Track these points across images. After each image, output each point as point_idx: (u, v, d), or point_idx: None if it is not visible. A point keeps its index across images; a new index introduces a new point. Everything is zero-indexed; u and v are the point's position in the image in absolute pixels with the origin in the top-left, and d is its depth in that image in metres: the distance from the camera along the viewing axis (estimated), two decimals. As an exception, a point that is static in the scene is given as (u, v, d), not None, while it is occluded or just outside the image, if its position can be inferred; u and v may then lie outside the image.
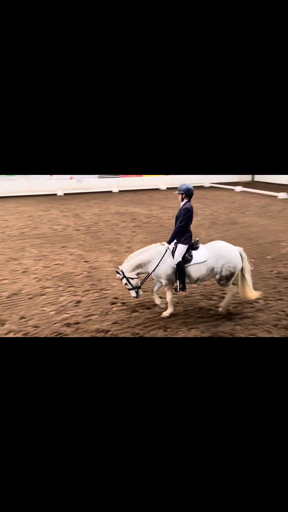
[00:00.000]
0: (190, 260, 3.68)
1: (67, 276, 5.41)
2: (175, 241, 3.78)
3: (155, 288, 4.10)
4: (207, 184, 15.42)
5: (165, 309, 4.18)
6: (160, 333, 3.80)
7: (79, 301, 4.57)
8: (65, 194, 13.21)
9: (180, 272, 3.63)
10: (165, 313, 4.01)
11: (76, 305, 4.48)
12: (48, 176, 13.23)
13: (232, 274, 3.76)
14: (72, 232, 7.99)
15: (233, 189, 14.20)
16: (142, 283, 3.98)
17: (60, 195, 13.05)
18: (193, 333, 3.75)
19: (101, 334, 3.82)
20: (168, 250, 3.78)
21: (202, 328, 3.92)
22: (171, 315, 4.02)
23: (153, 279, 4.04)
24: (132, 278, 3.87)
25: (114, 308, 4.41)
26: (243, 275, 3.84)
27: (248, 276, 3.84)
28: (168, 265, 3.73)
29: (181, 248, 3.68)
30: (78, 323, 4.06)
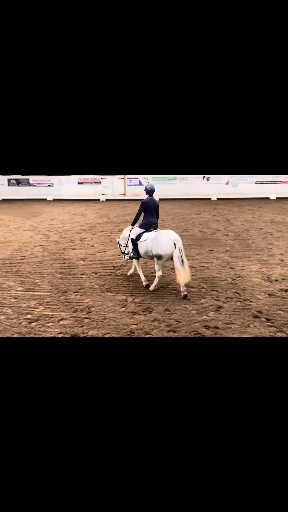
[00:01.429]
0: (139, 239, 5.13)
1: (211, 280, 5.60)
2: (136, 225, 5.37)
3: (135, 268, 5.64)
4: None
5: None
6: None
7: (220, 307, 4.67)
8: (218, 199, 13.49)
9: (132, 245, 5.21)
10: (149, 285, 5.38)
11: (217, 310, 4.60)
12: (204, 180, 13.87)
13: (160, 256, 4.90)
14: (221, 237, 8.13)
15: None
16: (128, 252, 5.44)
17: (214, 200, 13.43)
18: None
19: (239, 345, 3.79)
20: (130, 231, 5.32)
21: None
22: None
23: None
24: (121, 245, 5.56)
25: (256, 322, 4.26)
26: (174, 261, 4.79)
27: (177, 262, 4.73)
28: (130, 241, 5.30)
29: (136, 230, 5.18)
30: (217, 327, 4.18)
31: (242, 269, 6.03)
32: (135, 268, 5.59)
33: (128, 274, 5.71)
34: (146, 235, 5.05)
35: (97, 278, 5.81)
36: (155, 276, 5.32)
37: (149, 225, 5.10)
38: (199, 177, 14.05)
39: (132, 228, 5.33)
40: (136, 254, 5.21)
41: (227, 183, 13.69)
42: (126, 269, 6.18)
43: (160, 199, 14.63)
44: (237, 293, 5.09)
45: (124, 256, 5.57)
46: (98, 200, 14.04)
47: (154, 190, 5.19)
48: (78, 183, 14.45)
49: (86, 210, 12.00)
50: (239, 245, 7.48)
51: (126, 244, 5.43)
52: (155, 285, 5.17)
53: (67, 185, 14.45)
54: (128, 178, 14.20)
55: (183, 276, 4.76)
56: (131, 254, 5.31)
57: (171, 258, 4.86)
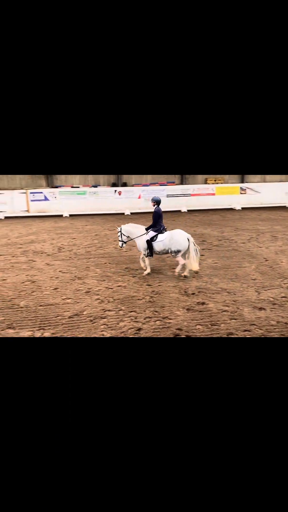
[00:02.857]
0: (155, 240, 6.61)
1: (128, 300, 5.59)
2: (150, 229, 6.82)
3: (143, 259, 7.04)
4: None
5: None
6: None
7: (139, 329, 4.64)
8: (131, 213, 13.90)
9: (148, 246, 6.64)
10: (145, 273, 6.85)
11: (136, 333, 4.56)
12: (116, 194, 14.14)
13: (178, 251, 6.49)
14: (136, 253, 8.30)
15: None
16: (125, 242, 6.98)
17: (127, 214, 13.78)
18: None
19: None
20: (145, 234, 6.75)
21: None
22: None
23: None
24: (123, 235, 6.91)
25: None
26: (189, 253, 6.44)
27: (192, 253, 6.42)
28: (143, 242, 6.69)
29: (151, 233, 6.67)
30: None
31: (159, 285, 6.20)
32: (149, 265, 6.88)
33: (145, 274, 6.79)
34: (161, 237, 6.57)
35: (-4, 312, 5.18)
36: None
37: (160, 228, 6.60)
38: (111, 191, 14.28)
39: (147, 232, 6.69)
40: (151, 253, 6.67)
41: (139, 197, 14.24)
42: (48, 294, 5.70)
43: (70, 215, 14.28)
44: (156, 311, 5.17)
45: (119, 243, 7.00)
46: (-3, 218, 12.93)
47: (160, 200, 6.87)
48: None
49: (-18, 231, 10.86)
50: (155, 260, 7.73)
51: (128, 237, 6.87)
52: (179, 270, 6.64)
53: None
54: (31, 193, 13.48)
55: (195, 264, 6.42)
56: (147, 253, 6.66)
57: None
